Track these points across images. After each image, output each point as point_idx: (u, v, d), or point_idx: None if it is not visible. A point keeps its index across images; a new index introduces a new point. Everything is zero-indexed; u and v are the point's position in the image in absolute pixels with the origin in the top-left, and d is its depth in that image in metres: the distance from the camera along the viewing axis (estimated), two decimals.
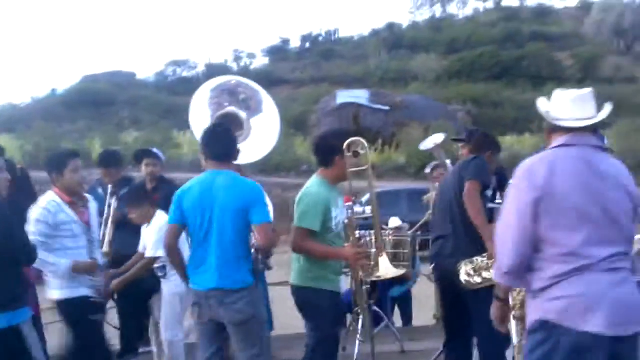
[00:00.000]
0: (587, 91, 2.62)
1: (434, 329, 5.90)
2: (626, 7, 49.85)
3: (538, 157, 2.54)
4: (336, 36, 55.65)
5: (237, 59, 52.15)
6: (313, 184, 3.69)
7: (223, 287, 3.42)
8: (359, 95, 29.40)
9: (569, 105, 2.56)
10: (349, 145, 3.63)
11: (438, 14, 59.38)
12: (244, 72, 42.54)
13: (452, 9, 60.59)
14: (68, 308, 4.01)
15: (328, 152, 3.70)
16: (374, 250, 3.98)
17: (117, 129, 29.80)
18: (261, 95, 4.76)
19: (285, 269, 4.51)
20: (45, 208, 3.88)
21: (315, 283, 3.64)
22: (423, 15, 59.18)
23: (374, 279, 3.97)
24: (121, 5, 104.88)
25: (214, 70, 37.12)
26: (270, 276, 5.06)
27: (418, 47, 45.48)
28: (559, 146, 2.54)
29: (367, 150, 3.71)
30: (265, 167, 19.90)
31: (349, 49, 50.32)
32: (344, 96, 29.42)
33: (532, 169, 2.48)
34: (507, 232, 2.47)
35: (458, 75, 38.38)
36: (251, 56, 53.15)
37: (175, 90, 39.53)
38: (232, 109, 4.58)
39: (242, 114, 4.58)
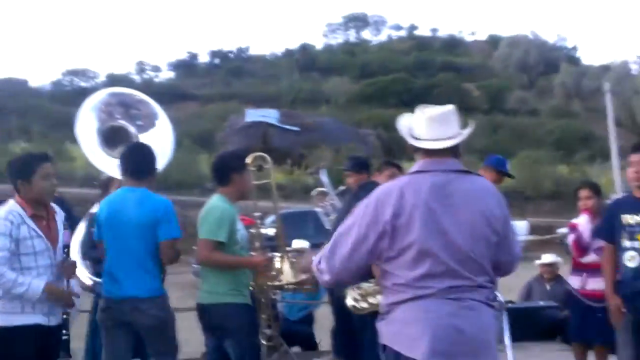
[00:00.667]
0: (449, 109, 2.52)
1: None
2: (531, 43, 53.27)
3: (392, 185, 2.49)
4: (247, 53, 55.67)
5: (141, 71, 51.11)
6: (216, 200, 3.79)
7: (136, 295, 3.59)
8: (269, 115, 29.31)
9: (428, 124, 2.48)
10: (253, 159, 3.84)
11: (352, 39, 60.86)
12: (148, 85, 41.56)
13: (366, 34, 62.44)
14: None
15: (224, 170, 3.83)
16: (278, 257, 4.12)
17: (5, 139, 28.02)
18: (154, 110, 4.71)
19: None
20: (6, 219, 3.37)
21: (231, 298, 3.71)
22: (337, 39, 60.57)
23: (276, 283, 4.04)
24: (18, 9, 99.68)
25: (115, 82, 35.71)
26: None
27: (331, 69, 46.26)
28: (414, 172, 2.49)
29: (271, 165, 3.93)
30: (165, 184, 19.07)
31: (260, 67, 50.32)
32: (254, 115, 29.19)
33: (383, 200, 2.43)
34: (340, 247, 2.47)
35: (369, 99, 39.25)
36: (156, 69, 52.31)
37: (71, 101, 37.72)
38: (121, 122, 4.59)
39: (132, 129, 4.58)
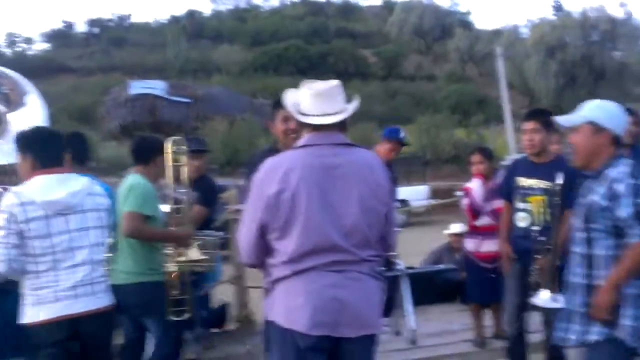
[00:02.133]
0: (334, 84, 2.59)
1: (237, 333, 5.67)
2: (426, 8, 54.78)
3: (278, 159, 2.54)
4: (129, 21, 53.41)
5: (12, 43, 47.87)
6: (137, 177, 3.91)
7: None
8: (156, 86, 28.22)
9: (314, 99, 2.54)
10: (173, 142, 3.99)
11: (242, 4, 59.92)
12: (19, 58, 39.09)
13: (257, 0, 61.62)
14: None
15: (149, 151, 4.01)
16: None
17: None
18: (24, 87, 4.58)
19: None
20: None
21: (149, 277, 3.83)
22: (226, 5, 59.37)
23: (182, 259, 4.06)
24: None
25: None
26: None
27: (221, 37, 45.36)
28: (301, 146, 2.55)
29: (186, 149, 4.08)
30: None
31: (144, 36, 48.36)
32: (138, 87, 28.04)
33: (268, 175, 2.49)
34: (243, 233, 2.58)
35: (264, 68, 38.91)
36: (28, 41, 49.12)
37: None
38: None
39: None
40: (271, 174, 2.48)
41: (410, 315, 4.86)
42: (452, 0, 64.94)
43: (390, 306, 4.90)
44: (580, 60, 41.30)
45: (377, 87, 37.71)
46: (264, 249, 2.54)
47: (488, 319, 4.95)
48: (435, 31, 54.96)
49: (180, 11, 60.51)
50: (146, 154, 4.01)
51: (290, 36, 44.07)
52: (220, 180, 7.30)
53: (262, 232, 2.50)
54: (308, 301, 2.41)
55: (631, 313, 2.58)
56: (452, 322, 5.49)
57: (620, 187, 2.61)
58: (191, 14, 51.77)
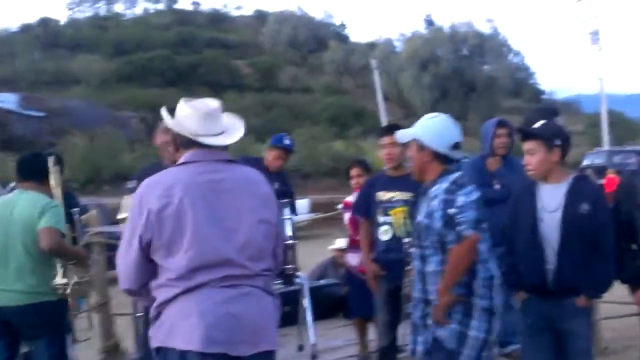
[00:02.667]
0: (217, 105, 2.67)
1: None
2: (299, 20, 55.82)
3: (159, 176, 2.56)
4: None
5: None
6: (42, 196, 3.86)
7: None
8: (6, 100, 27.18)
9: (202, 119, 2.59)
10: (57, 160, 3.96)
11: (102, 12, 58.03)
12: None
13: (119, 7, 59.95)
14: None
15: (44, 168, 3.93)
16: None
17: None
18: None
19: None
20: None
21: (49, 297, 3.79)
22: (84, 12, 57.26)
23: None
24: None
25: None
26: None
27: (79, 46, 43.63)
28: (184, 163, 2.57)
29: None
30: None
31: None
32: None
33: (149, 192, 2.49)
34: (122, 255, 2.54)
35: (128, 79, 37.87)
36: None
37: None
38: None
39: None
40: (152, 190, 2.48)
41: (311, 330, 4.89)
42: (326, 11, 66.78)
43: (290, 320, 4.90)
44: (452, 74, 43.82)
45: (253, 99, 37.79)
46: (146, 270, 2.50)
47: (372, 333, 5.06)
48: (309, 43, 56.11)
49: (32, 19, 57.23)
50: (42, 172, 3.93)
51: (156, 46, 43.22)
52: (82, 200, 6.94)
53: (145, 251, 2.46)
54: (201, 319, 2.38)
55: (455, 317, 2.81)
56: (337, 338, 5.56)
57: (435, 204, 2.84)
58: (44, 22, 49.41)
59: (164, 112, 2.68)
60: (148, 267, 2.49)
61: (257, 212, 2.56)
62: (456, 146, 2.99)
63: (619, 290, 3.50)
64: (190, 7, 61.56)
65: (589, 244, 3.15)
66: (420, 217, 2.90)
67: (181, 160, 2.59)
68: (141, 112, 30.65)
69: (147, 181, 2.55)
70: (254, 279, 2.51)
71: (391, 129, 4.20)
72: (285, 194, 4.57)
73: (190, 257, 2.41)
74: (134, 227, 2.47)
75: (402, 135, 3.16)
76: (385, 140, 4.16)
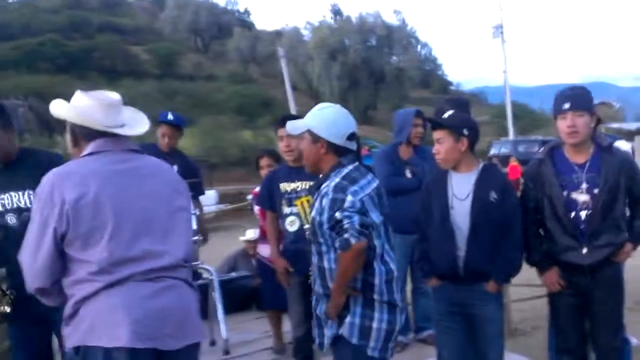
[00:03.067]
0: (119, 97, 2.65)
1: None
2: (200, 5, 55.01)
3: (70, 167, 2.49)
4: None
5: None
6: None
7: None
8: None
9: (107, 110, 2.57)
10: None
11: None
12: None
13: None
14: None
15: None
16: None
17: None
18: None
19: None
20: None
21: None
22: None
23: None
24: None
25: None
26: None
27: None
28: (89, 155, 2.52)
29: None
30: None
31: None
32: None
33: (61, 183, 2.41)
34: (28, 252, 2.45)
35: (15, 65, 36.17)
36: None
37: None
38: None
39: None
40: (66, 180, 2.40)
41: (222, 324, 4.87)
42: None
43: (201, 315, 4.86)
44: (361, 64, 44.59)
45: (152, 86, 36.95)
46: (59, 265, 2.41)
47: (287, 324, 5.11)
48: (212, 29, 55.44)
49: None
50: None
51: (45, 30, 41.48)
52: None
53: (59, 245, 2.38)
54: (128, 314, 2.34)
55: (356, 311, 2.84)
56: (250, 331, 5.58)
57: (325, 202, 2.82)
58: None
59: (58, 103, 2.59)
60: (60, 262, 2.41)
61: (172, 200, 2.56)
62: (351, 137, 2.95)
63: (527, 274, 3.70)
64: None
65: (498, 230, 3.30)
66: (314, 214, 2.89)
67: (88, 150, 2.52)
68: (30, 99, 29.40)
69: (58, 170, 2.45)
70: (176, 271, 2.50)
71: (288, 120, 4.18)
72: (188, 174, 4.48)
73: (111, 248, 2.37)
74: (46, 219, 2.38)
75: (294, 126, 3.08)
76: (282, 131, 4.15)
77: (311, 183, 3.82)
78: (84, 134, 2.54)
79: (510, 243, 3.34)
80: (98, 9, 53.51)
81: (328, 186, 2.84)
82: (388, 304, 2.86)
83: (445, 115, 3.46)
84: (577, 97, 3.35)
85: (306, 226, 3.89)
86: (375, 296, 2.84)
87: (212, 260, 6.64)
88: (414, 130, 4.83)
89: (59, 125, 2.71)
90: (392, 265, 2.92)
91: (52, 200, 2.37)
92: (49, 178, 2.43)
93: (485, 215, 3.28)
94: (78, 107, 2.54)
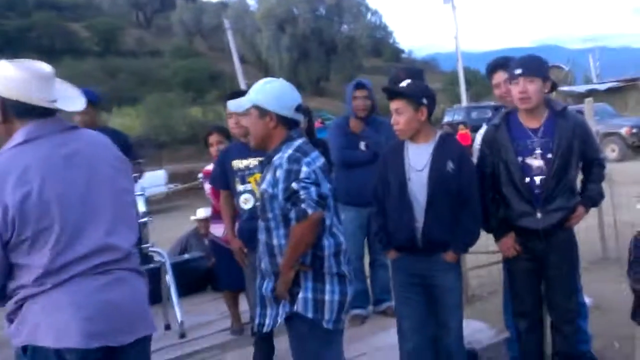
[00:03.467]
0: (50, 69, 2.41)
1: None
2: None
3: (6, 162, 2.26)
4: None
5: None
6: None
7: None
8: None
9: (41, 83, 2.35)
10: None
11: None
12: None
13: None
14: None
15: None
16: None
17: None
18: None
19: None
20: None
21: None
22: None
23: None
24: None
25: None
26: None
27: None
28: (24, 142, 2.29)
29: None
30: None
31: None
32: None
33: (2, 180, 2.21)
34: None
35: None
36: None
37: None
38: None
39: None
40: (4, 181, 2.20)
41: (177, 308, 4.83)
42: None
43: (154, 299, 4.80)
44: (311, 35, 44.33)
45: (93, 64, 36.12)
46: (5, 271, 2.27)
47: (244, 304, 5.11)
48: (153, 3, 54.30)
49: None
50: None
51: None
52: None
53: (4, 251, 2.23)
54: (77, 312, 2.25)
55: (307, 286, 2.85)
56: (206, 313, 5.55)
57: (279, 174, 2.81)
58: None
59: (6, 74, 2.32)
60: (6, 268, 2.28)
61: (116, 182, 2.44)
62: (298, 108, 2.96)
63: (483, 241, 3.77)
64: None
65: (455, 200, 3.34)
66: (265, 186, 2.88)
67: (20, 137, 2.31)
68: None
69: None
70: (126, 260, 2.42)
71: (234, 96, 4.11)
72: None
73: (58, 250, 2.25)
74: None
75: (238, 104, 3.06)
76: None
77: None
78: (17, 111, 2.32)
79: (468, 213, 3.38)
80: None
81: (281, 157, 2.83)
82: (338, 275, 2.88)
83: (403, 84, 3.46)
84: (529, 63, 3.42)
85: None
86: (325, 269, 2.85)
87: (164, 242, 6.58)
88: (356, 103, 4.78)
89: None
90: (341, 238, 2.94)
91: None
92: None
93: (443, 185, 3.32)
94: (9, 79, 2.31)
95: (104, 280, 2.33)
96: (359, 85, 4.85)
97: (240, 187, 4.17)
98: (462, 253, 3.56)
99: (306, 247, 2.80)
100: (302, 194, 2.72)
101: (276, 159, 2.87)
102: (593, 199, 3.60)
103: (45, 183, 2.24)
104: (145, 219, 4.93)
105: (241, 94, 4.12)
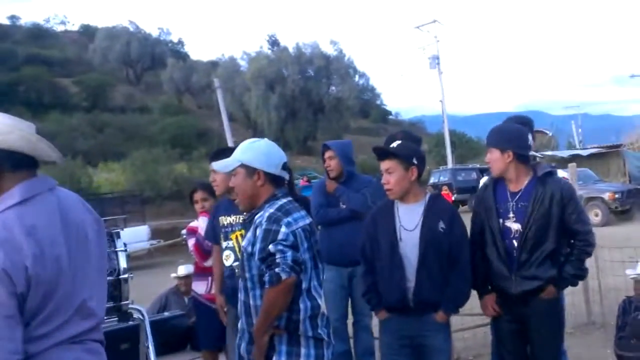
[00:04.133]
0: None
1: None
2: (132, 36, 54.50)
3: (7, 222, 2.08)
4: None
5: None
6: None
7: None
8: None
9: (29, 134, 2.21)
10: None
11: None
12: None
13: None
14: None
15: None
16: None
17: None
18: None
19: None
20: None
21: None
22: None
23: None
24: None
25: None
26: None
27: None
28: (22, 202, 2.14)
29: None
30: None
31: None
32: None
33: (11, 244, 2.04)
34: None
35: None
36: None
37: None
38: None
39: None
40: (12, 242, 2.05)
41: None
42: (161, 28, 65.26)
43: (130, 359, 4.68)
44: (300, 94, 44.90)
45: (81, 119, 36.30)
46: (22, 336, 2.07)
47: None
48: (144, 60, 54.95)
49: None
50: None
51: None
52: None
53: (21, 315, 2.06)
54: None
55: (281, 349, 2.81)
56: None
57: (259, 232, 2.79)
58: None
59: None
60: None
61: (97, 246, 2.35)
62: (284, 166, 2.98)
63: (469, 302, 3.74)
64: (6, 22, 58.39)
65: (446, 260, 3.34)
66: (245, 244, 2.85)
67: (18, 196, 2.15)
68: None
69: None
70: (97, 330, 2.33)
71: (220, 154, 4.03)
72: None
73: (48, 318, 2.13)
74: (6, 294, 2.01)
75: (224, 164, 3.05)
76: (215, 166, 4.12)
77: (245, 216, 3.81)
78: (12, 163, 2.16)
79: (459, 273, 3.38)
80: (24, 41, 52.59)
81: (262, 216, 2.81)
82: (314, 339, 2.82)
83: (394, 144, 3.49)
84: (492, 134, 3.56)
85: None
86: (300, 332, 2.80)
87: (144, 299, 6.47)
88: (325, 164, 4.84)
89: None
90: (319, 301, 2.88)
91: (12, 274, 2.02)
92: None
93: (434, 245, 3.32)
94: (6, 125, 2.17)
95: (79, 350, 2.23)
96: (325, 147, 4.91)
97: (223, 244, 4.17)
98: (452, 313, 3.52)
99: (279, 311, 2.75)
100: (278, 257, 2.68)
101: (257, 217, 2.85)
102: (566, 280, 3.49)
103: (52, 245, 2.14)
104: (126, 276, 4.86)
105: (226, 151, 4.14)
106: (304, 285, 2.80)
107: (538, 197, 3.41)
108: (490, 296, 3.55)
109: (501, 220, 3.46)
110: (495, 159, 3.47)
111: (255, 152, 2.96)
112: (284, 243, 2.71)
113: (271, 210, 2.82)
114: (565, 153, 26.74)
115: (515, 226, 3.43)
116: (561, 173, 4.67)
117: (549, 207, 3.40)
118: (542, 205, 3.39)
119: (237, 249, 4.05)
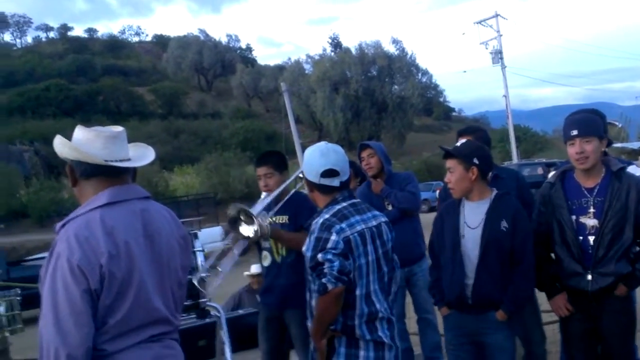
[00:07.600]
0: (121, 129, 2.41)
1: None
2: (203, 44, 55.61)
3: (90, 221, 2.19)
4: None
5: None
6: None
7: None
8: None
9: (107, 142, 2.32)
10: None
11: None
12: None
13: (7, 37, 58.02)
14: None
15: None
16: None
17: None
18: None
19: None
20: None
21: None
22: None
23: None
24: None
25: None
26: None
27: None
28: (107, 204, 2.24)
29: None
30: None
31: None
32: None
33: (89, 241, 2.13)
34: (60, 314, 2.12)
35: (20, 111, 36.63)
36: None
37: None
38: None
39: None
40: (90, 239, 2.14)
41: None
42: (230, 35, 66.24)
43: (207, 354, 4.79)
44: (363, 95, 44.87)
45: (157, 126, 37.30)
46: (92, 329, 2.14)
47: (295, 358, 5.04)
48: (215, 67, 55.99)
49: None
50: None
51: (50, 75, 42.14)
52: None
53: (93, 317, 2.15)
54: None
55: (340, 351, 2.79)
56: None
57: (310, 240, 2.78)
58: None
59: (58, 139, 2.33)
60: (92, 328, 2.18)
61: (179, 258, 2.42)
62: (329, 173, 2.91)
63: (538, 298, 3.64)
64: (85, 35, 60.42)
65: (508, 259, 3.26)
66: (304, 249, 2.82)
67: (105, 199, 2.26)
68: (36, 144, 29.69)
69: (79, 229, 2.17)
70: (174, 332, 2.41)
71: (264, 159, 4.10)
72: None
73: (128, 317, 2.20)
74: (79, 302, 2.11)
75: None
76: (259, 171, 4.10)
77: (284, 217, 3.86)
78: (82, 171, 2.29)
79: (521, 272, 3.29)
80: (102, 52, 54.38)
81: (317, 222, 2.80)
82: (374, 342, 2.81)
83: (458, 144, 3.47)
84: (585, 123, 3.33)
85: (278, 262, 3.94)
86: (357, 336, 2.78)
87: (218, 297, 6.59)
88: (363, 164, 4.72)
89: (64, 167, 2.48)
90: (379, 306, 2.84)
91: (85, 266, 2.13)
92: (70, 234, 2.16)
93: (496, 244, 3.25)
94: (75, 140, 2.32)
95: (156, 349, 2.31)
96: (362, 146, 4.79)
97: (264, 244, 4.18)
98: (513, 312, 3.45)
99: (331, 318, 2.75)
100: (326, 267, 2.68)
101: (313, 223, 2.84)
102: (638, 279, 3.34)
103: (128, 247, 2.21)
104: (203, 274, 4.97)
105: (273, 154, 4.16)
106: (357, 292, 2.78)
107: (615, 192, 3.29)
108: (562, 295, 3.44)
109: (574, 217, 3.35)
110: (594, 149, 3.26)
111: (305, 160, 3.01)
112: (333, 252, 2.70)
113: (326, 216, 2.80)
114: (636, 145, 25.75)
115: (591, 222, 3.30)
116: (634, 169, 4.45)
117: (625, 202, 3.27)
118: (618, 201, 3.27)
119: (274, 249, 4.06)
